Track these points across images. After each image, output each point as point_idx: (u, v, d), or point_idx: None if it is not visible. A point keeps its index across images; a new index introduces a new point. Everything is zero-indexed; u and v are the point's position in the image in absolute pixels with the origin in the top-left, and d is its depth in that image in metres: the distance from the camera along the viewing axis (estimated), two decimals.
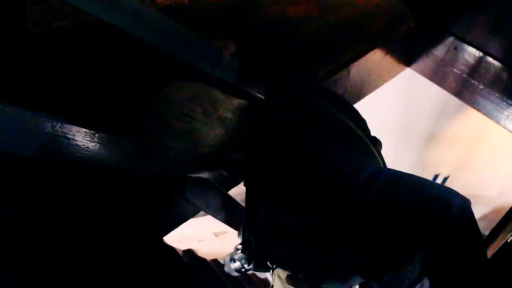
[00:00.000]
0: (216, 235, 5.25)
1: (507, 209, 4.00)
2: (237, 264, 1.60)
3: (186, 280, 1.68)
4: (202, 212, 2.04)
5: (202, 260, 2.29)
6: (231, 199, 1.91)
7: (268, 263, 1.49)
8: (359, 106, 2.11)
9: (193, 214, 1.69)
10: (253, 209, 1.32)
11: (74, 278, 1.33)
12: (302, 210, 1.02)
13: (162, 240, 1.65)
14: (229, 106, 1.09)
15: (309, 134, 1.07)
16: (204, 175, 1.18)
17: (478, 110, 2.14)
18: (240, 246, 1.60)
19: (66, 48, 1.16)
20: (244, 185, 1.38)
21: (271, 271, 1.53)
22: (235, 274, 1.67)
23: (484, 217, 4.69)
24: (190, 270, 1.83)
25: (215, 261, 2.55)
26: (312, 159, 1.00)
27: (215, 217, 1.88)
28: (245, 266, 1.58)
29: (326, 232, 1.08)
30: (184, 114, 1.03)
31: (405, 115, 3.60)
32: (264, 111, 1.16)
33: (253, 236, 1.44)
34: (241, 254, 1.58)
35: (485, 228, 3.95)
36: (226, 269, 1.69)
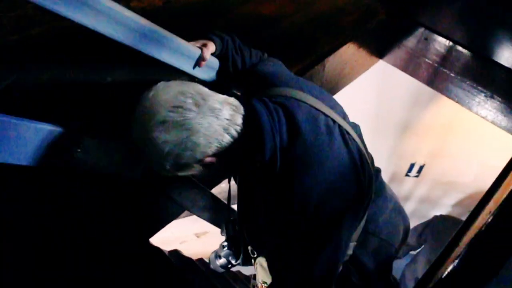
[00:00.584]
0: (197, 236, 5.25)
1: (482, 194, 4.10)
2: (222, 261, 1.65)
3: (174, 280, 1.69)
4: (183, 214, 2.05)
5: (189, 259, 2.29)
6: (215, 198, 1.92)
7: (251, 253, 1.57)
8: (335, 97, 2.14)
9: (177, 215, 1.70)
10: (249, 206, 1.41)
11: (62, 278, 1.34)
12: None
13: (148, 241, 1.65)
14: (216, 98, 1.10)
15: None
16: (197, 171, 1.15)
17: (450, 98, 2.19)
18: (225, 243, 1.63)
19: (43, 53, 1.16)
20: (237, 182, 1.44)
21: (253, 260, 1.58)
22: (221, 270, 1.70)
23: (460, 203, 4.79)
24: (177, 270, 1.84)
25: (201, 260, 2.55)
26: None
27: (200, 217, 1.89)
28: (232, 261, 1.63)
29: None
30: (176, 106, 1.03)
31: (380, 106, 3.64)
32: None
33: (246, 232, 1.49)
34: (228, 251, 1.62)
35: (460, 214, 4.04)
36: (212, 266, 1.72)
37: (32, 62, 1.13)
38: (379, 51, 2.36)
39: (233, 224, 1.67)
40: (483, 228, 1.17)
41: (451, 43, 1.96)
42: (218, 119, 1.08)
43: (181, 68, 1.27)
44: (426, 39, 2.07)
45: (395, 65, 2.39)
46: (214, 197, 1.91)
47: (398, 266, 4.32)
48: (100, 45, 1.09)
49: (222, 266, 1.68)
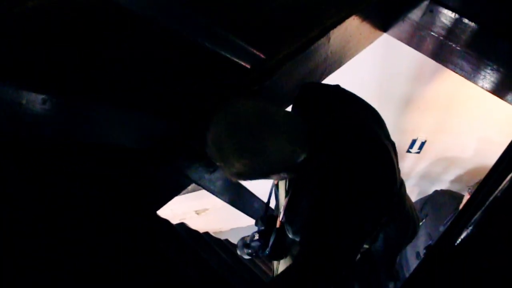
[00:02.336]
0: (197, 213, 5.29)
1: (481, 170, 4.11)
2: (250, 251, 1.85)
3: (183, 251, 1.70)
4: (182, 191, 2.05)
5: (195, 232, 2.31)
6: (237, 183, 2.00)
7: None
8: (338, 72, 2.14)
9: (185, 187, 1.71)
10: (296, 206, 1.54)
11: (70, 253, 1.34)
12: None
13: (156, 214, 1.66)
14: (285, 118, 1.24)
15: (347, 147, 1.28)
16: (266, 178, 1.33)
17: (455, 71, 2.18)
18: (257, 235, 1.84)
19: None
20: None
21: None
22: (246, 257, 1.91)
23: (460, 179, 4.79)
24: (185, 242, 1.85)
25: (206, 233, 2.57)
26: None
27: (208, 190, 1.89)
28: (259, 253, 1.83)
29: None
30: (253, 134, 1.15)
31: (383, 81, 3.62)
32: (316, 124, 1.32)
33: (288, 227, 1.61)
34: (257, 243, 1.83)
35: (460, 190, 4.05)
36: (238, 252, 1.93)
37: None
38: (384, 24, 2.34)
39: (268, 219, 1.88)
40: (498, 194, 1.17)
41: (457, 16, 1.94)
42: (289, 141, 1.21)
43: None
44: (431, 11, 2.05)
45: (399, 38, 2.37)
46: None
47: None
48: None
49: (248, 254, 1.88)
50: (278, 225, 1.78)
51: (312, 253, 1.25)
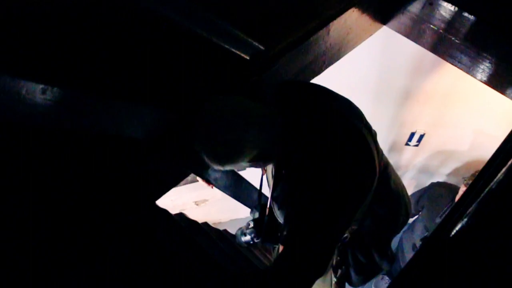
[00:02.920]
0: (197, 203, 5.29)
1: (479, 163, 4.12)
2: (247, 238, 1.99)
3: (182, 240, 1.71)
4: (182, 182, 2.05)
5: (194, 222, 2.32)
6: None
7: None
8: (337, 64, 2.14)
9: (183, 177, 1.72)
10: (281, 188, 1.66)
11: (69, 242, 1.36)
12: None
13: (155, 203, 1.67)
14: (260, 111, 1.34)
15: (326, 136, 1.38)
16: (242, 168, 1.45)
17: (454, 64, 2.18)
18: (252, 223, 2.00)
19: None
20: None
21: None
22: (244, 245, 2.06)
23: (458, 172, 4.81)
24: (184, 232, 1.87)
25: (205, 223, 2.58)
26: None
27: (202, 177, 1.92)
28: (255, 239, 1.98)
29: None
30: (232, 129, 1.27)
31: (382, 73, 3.62)
32: (293, 116, 1.43)
33: (277, 213, 1.76)
34: (253, 229, 1.98)
35: (458, 183, 4.07)
36: (237, 240, 2.08)
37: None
38: (383, 16, 2.34)
39: (260, 208, 2.04)
40: (493, 186, 1.19)
41: (456, 9, 1.94)
42: (265, 132, 1.33)
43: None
44: (431, 4, 2.05)
45: (398, 31, 2.37)
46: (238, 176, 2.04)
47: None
48: None
49: (246, 242, 2.02)
50: (267, 212, 1.93)
51: (297, 239, 1.36)
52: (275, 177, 1.64)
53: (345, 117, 1.48)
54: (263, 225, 1.97)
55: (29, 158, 1.19)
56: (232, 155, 1.32)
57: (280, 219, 1.75)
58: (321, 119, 1.43)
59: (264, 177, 1.96)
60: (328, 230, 1.34)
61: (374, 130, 1.63)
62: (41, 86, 1.01)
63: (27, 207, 1.23)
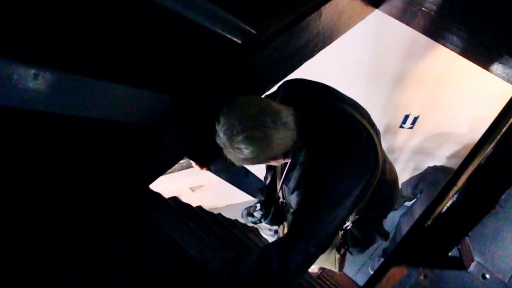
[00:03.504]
0: (192, 189, 5.31)
1: (474, 144, 4.14)
2: (254, 219, 2.18)
3: (175, 224, 1.73)
4: (177, 167, 2.05)
5: (188, 206, 2.34)
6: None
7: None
8: (329, 47, 2.14)
9: (176, 161, 1.73)
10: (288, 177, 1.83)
11: (62, 225, 1.37)
12: None
13: (148, 187, 1.68)
14: (285, 112, 1.46)
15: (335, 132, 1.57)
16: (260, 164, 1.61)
17: (447, 46, 2.19)
18: (258, 205, 2.17)
19: None
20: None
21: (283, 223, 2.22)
22: (251, 224, 2.27)
23: (454, 154, 4.83)
24: (178, 215, 1.88)
25: (199, 207, 2.60)
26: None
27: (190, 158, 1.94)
28: (262, 220, 2.16)
29: None
30: (260, 125, 1.37)
31: (375, 57, 3.61)
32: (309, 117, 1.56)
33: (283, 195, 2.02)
34: (260, 211, 2.15)
35: (454, 165, 4.09)
36: (243, 221, 2.30)
37: None
38: (375, 0, 2.35)
39: (267, 190, 2.24)
40: (482, 162, 1.21)
41: None
42: (288, 131, 1.45)
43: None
44: None
45: (390, 14, 2.37)
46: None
47: (394, 217, 4.41)
48: None
49: (252, 222, 2.22)
50: (278, 195, 2.12)
51: (303, 219, 1.53)
52: (290, 165, 1.75)
53: (354, 117, 1.64)
54: (271, 206, 2.15)
55: (21, 143, 1.20)
56: (259, 154, 1.43)
57: (292, 203, 1.91)
58: (333, 119, 1.60)
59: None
60: (334, 215, 1.51)
61: (378, 129, 1.78)
62: (33, 71, 1.02)
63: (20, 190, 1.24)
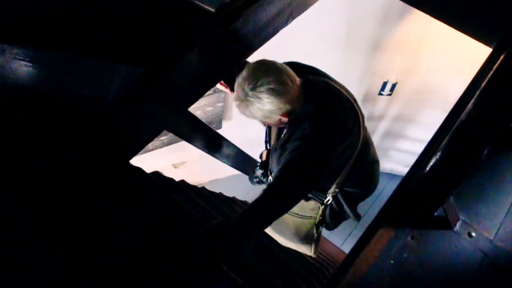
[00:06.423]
0: (175, 166, 5.31)
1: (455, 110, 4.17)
2: (257, 179, 2.49)
3: (158, 198, 1.72)
4: (159, 144, 2.03)
5: (170, 179, 2.33)
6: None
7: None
8: (305, 16, 2.13)
9: (154, 136, 1.73)
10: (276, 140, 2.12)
11: (49, 205, 1.36)
12: None
13: (128, 163, 1.67)
14: (297, 77, 1.75)
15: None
16: (273, 121, 1.83)
17: (422, 10, 2.18)
18: (259, 166, 2.45)
19: None
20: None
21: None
22: (256, 184, 2.55)
23: (435, 119, 4.86)
24: (159, 189, 1.88)
25: (182, 181, 2.60)
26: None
27: (174, 133, 1.95)
28: (263, 179, 2.47)
29: None
30: (282, 81, 1.65)
31: (350, 24, 3.61)
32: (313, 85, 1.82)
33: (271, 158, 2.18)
34: (260, 172, 2.44)
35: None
36: (250, 182, 2.60)
37: None
38: None
39: (267, 153, 2.41)
40: (463, 118, 1.22)
41: None
42: (299, 92, 1.73)
43: None
44: None
45: None
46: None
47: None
48: None
49: (257, 182, 2.50)
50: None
51: (286, 173, 1.72)
52: (288, 129, 1.90)
53: (341, 93, 1.88)
54: (267, 165, 2.38)
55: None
56: (276, 105, 1.67)
57: (274, 160, 2.10)
58: (325, 91, 1.84)
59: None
60: (309, 175, 1.71)
61: (363, 113, 1.97)
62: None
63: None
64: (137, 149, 1.66)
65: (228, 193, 3.67)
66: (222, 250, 1.55)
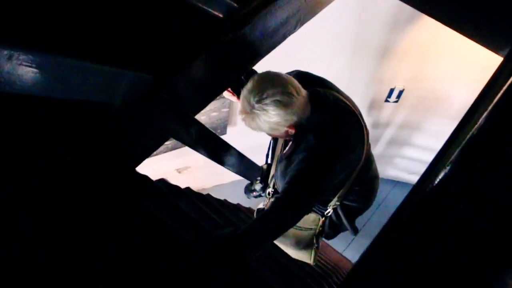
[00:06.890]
0: (179, 171, 5.31)
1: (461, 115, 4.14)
2: (255, 193, 2.52)
3: (164, 205, 1.71)
4: (163, 149, 2.02)
5: (176, 187, 2.32)
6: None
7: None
8: (312, 22, 2.11)
9: (161, 143, 1.71)
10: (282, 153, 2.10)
11: (46, 202, 1.35)
12: None
13: (135, 170, 1.66)
14: (303, 89, 1.74)
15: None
16: (279, 133, 1.82)
17: (431, 16, 2.16)
18: (259, 180, 2.50)
19: None
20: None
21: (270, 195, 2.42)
22: (252, 198, 2.65)
23: (442, 127, 4.84)
24: (165, 196, 1.86)
25: (187, 188, 2.58)
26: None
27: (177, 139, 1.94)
28: (261, 193, 2.51)
29: None
30: (288, 92, 1.63)
31: (358, 30, 3.60)
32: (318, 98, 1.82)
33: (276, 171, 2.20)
34: (260, 185, 2.48)
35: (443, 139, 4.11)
36: (246, 196, 2.66)
37: None
38: None
39: (267, 168, 2.44)
40: (474, 132, 1.19)
41: None
42: (305, 103, 1.72)
43: None
44: None
45: None
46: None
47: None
48: None
49: (255, 196, 2.55)
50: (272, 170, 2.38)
51: (291, 189, 1.73)
52: (294, 141, 1.92)
53: (348, 106, 1.89)
54: (267, 179, 2.41)
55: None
56: (281, 117, 1.66)
57: (279, 172, 2.13)
58: (332, 104, 1.84)
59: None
60: (316, 186, 1.74)
61: (367, 129, 1.99)
62: (5, 52, 0.98)
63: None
64: (143, 156, 1.65)
65: (232, 199, 3.66)
66: (224, 253, 1.56)
